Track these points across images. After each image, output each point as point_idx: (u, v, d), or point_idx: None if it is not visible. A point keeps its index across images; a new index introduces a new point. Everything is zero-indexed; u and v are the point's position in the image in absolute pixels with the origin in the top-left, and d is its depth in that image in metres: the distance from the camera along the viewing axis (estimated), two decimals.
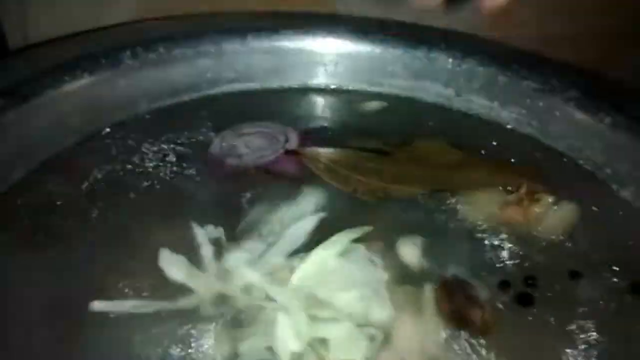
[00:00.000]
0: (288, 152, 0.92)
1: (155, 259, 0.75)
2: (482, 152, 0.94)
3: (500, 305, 0.72)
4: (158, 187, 0.87)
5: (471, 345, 0.68)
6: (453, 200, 0.85)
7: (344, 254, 0.74)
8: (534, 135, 0.98)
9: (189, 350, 0.66)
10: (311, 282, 0.71)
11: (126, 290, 0.72)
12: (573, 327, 0.70)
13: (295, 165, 0.91)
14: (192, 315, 0.69)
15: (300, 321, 0.67)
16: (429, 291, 0.72)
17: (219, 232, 0.79)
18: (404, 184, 0.87)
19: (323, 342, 0.66)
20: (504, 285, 0.74)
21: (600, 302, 0.73)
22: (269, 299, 0.70)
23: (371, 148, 0.93)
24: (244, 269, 0.73)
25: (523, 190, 0.84)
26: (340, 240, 0.74)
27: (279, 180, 0.88)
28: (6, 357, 0.66)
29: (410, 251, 0.77)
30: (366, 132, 0.97)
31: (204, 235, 0.79)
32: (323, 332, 0.67)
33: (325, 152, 0.92)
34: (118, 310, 0.69)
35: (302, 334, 0.66)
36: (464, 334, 0.68)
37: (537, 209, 0.83)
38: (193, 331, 0.67)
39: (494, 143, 0.96)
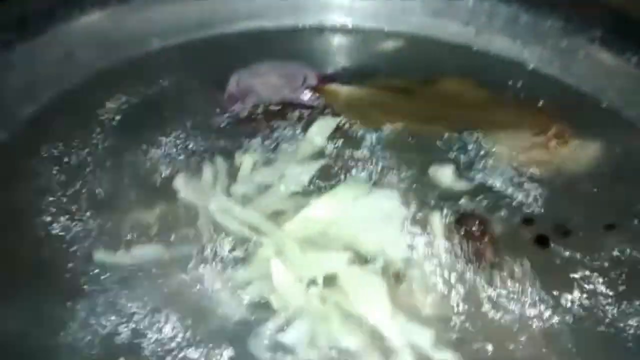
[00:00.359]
0: (308, 90, 0.90)
1: (168, 193, 0.75)
2: (505, 92, 0.92)
3: (516, 242, 0.71)
4: (170, 123, 0.85)
5: (481, 278, 0.67)
6: (479, 140, 0.83)
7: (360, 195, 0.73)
8: (556, 76, 0.96)
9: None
10: (313, 224, 0.70)
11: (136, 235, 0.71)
12: (581, 273, 0.69)
13: (315, 103, 0.88)
14: (192, 258, 0.68)
15: (296, 261, 0.66)
16: (443, 224, 0.71)
17: (233, 165, 0.78)
18: (428, 123, 0.85)
19: (331, 280, 0.65)
20: (526, 222, 0.74)
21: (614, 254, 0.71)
22: (266, 236, 0.69)
23: (392, 86, 0.91)
24: (238, 208, 0.72)
25: (552, 131, 0.82)
26: (346, 192, 0.73)
27: (298, 119, 0.86)
28: None
29: (444, 172, 0.77)
30: (385, 72, 0.95)
31: (220, 167, 0.78)
32: (323, 267, 0.66)
33: (346, 89, 0.90)
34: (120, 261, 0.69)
35: (302, 274, 0.65)
36: (475, 267, 0.68)
37: (563, 151, 0.82)
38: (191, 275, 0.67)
39: (516, 84, 0.93)
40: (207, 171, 0.77)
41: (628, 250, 0.71)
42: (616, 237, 0.73)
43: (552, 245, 0.72)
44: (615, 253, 0.71)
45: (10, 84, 0.85)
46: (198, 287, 0.66)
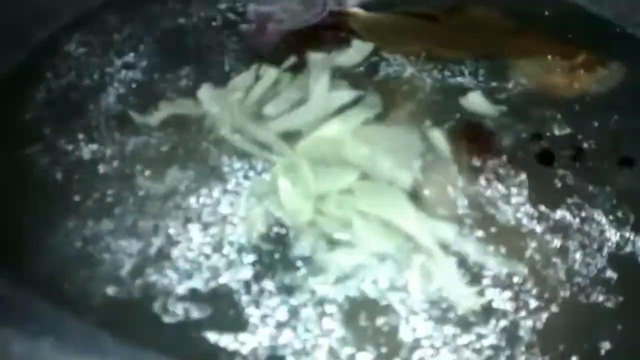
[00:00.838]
0: (331, 14, 0.88)
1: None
2: (532, 21, 0.89)
3: (522, 156, 0.71)
4: (192, 46, 0.84)
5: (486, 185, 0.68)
6: (502, 66, 0.82)
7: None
8: (581, 3, 0.93)
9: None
10: (325, 145, 0.70)
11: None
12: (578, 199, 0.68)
13: (338, 28, 0.86)
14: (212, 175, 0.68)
15: (307, 179, 0.65)
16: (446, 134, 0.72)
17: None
18: (451, 49, 0.83)
19: (348, 192, 0.65)
20: (536, 137, 0.73)
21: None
22: (278, 155, 0.69)
23: (418, 13, 0.89)
24: (251, 126, 0.72)
25: (581, 59, 0.81)
26: (358, 115, 0.73)
27: (323, 44, 0.83)
28: None
29: (476, 98, 0.76)
30: None
31: (245, 80, 0.77)
32: (335, 184, 0.66)
33: (368, 14, 0.88)
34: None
35: (312, 191, 0.65)
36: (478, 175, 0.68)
37: (588, 79, 0.80)
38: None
39: (543, 13, 0.91)
40: (232, 83, 0.77)
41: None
42: (631, 173, 0.71)
43: (557, 166, 0.71)
44: (625, 188, 0.69)
45: (28, 4, 0.82)
46: (218, 202, 0.66)
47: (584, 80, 0.80)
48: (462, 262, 0.61)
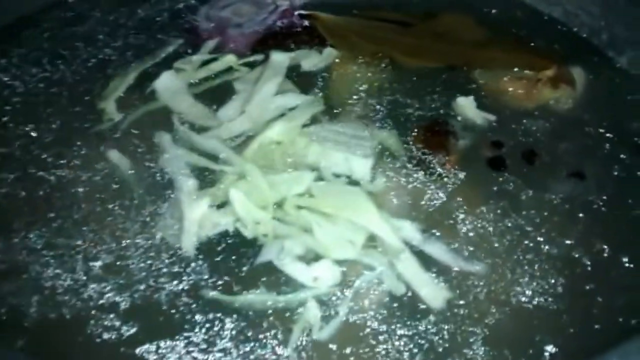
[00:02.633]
0: (296, 16, 0.87)
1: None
2: (505, 31, 0.87)
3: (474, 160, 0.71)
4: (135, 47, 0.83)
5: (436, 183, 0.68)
6: (469, 74, 0.80)
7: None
8: (528, 2, 0.92)
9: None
10: (273, 147, 0.69)
11: None
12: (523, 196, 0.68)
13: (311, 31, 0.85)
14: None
15: (261, 185, 0.64)
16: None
17: None
18: (417, 57, 0.81)
19: (308, 194, 0.64)
20: (494, 144, 0.73)
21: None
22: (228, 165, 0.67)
23: (390, 19, 0.87)
24: (197, 136, 0.70)
25: (548, 73, 0.79)
26: (302, 114, 0.72)
27: (296, 45, 0.82)
28: None
29: (467, 103, 0.76)
30: (389, 4, 0.90)
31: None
32: (291, 187, 0.64)
33: (336, 17, 0.86)
34: None
35: (268, 198, 0.63)
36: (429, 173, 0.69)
37: (551, 92, 0.78)
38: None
39: (515, 20, 0.89)
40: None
41: (588, 199, 0.69)
42: (577, 186, 0.70)
43: (506, 173, 0.70)
44: (566, 199, 0.68)
45: None
46: (166, 213, 0.64)
47: (546, 93, 0.79)
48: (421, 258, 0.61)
